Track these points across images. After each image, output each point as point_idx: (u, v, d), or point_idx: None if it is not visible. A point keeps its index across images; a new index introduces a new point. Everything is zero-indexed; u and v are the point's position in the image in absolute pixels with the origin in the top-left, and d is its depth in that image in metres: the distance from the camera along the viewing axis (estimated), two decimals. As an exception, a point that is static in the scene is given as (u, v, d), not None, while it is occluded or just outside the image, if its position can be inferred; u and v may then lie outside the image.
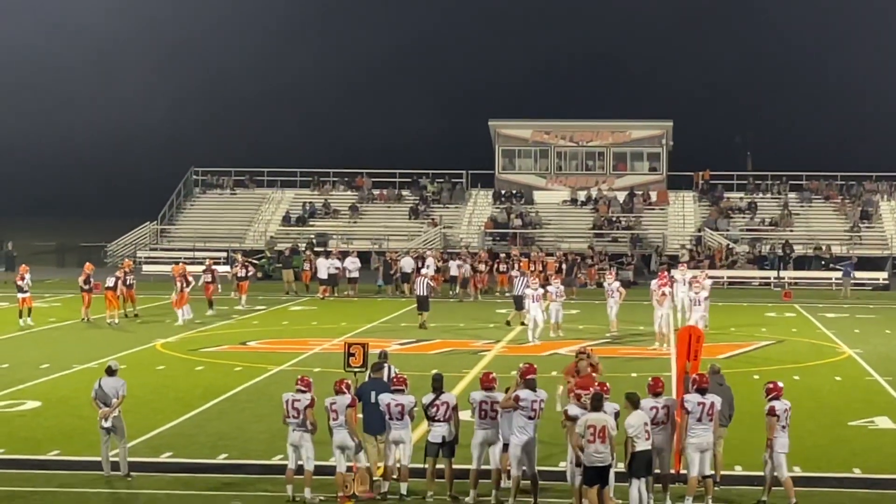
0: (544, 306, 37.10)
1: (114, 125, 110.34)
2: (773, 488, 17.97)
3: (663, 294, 36.10)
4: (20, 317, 39.99)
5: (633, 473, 17.11)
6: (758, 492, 18.11)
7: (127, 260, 49.53)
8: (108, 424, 19.33)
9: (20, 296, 40.33)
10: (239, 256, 52.39)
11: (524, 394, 17.98)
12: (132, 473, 19.35)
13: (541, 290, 37.00)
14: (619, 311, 38.27)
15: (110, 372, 19.83)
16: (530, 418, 17.87)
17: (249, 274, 48.65)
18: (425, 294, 40.69)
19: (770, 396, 18.08)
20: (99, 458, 19.51)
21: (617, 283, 39.01)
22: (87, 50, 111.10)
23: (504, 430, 18.07)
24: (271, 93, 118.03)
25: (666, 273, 40.34)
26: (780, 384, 18.40)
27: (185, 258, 53.79)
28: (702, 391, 18.00)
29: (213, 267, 45.72)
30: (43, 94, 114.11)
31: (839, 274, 57.22)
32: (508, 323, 40.40)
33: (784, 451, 17.88)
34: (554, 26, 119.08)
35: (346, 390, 18.33)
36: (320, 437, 18.42)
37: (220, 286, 45.47)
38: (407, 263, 53.29)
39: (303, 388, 18.31)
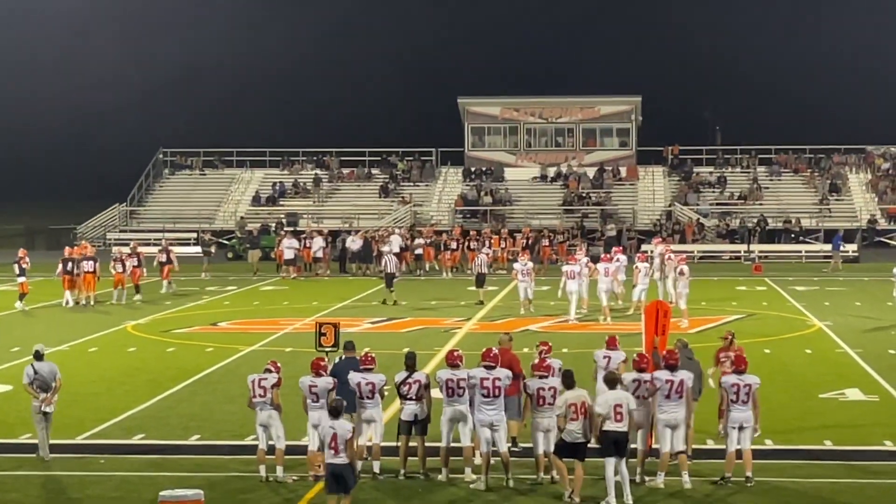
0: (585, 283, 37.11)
1: (79, 107, 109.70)
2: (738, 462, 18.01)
3: (595, 269, 37.03)
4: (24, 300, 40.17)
5: (600, 452, 17.10)
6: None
7: (84, 242, 48.95)
8: (52, 409, 19.28)
9: (20, 280, 40.21)
10: (164, 241, 51.20)
11: (476, 371, 18.03)
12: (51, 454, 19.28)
13: (577, 267, 36.80)
14: (588, 286, 38.05)
15: (39, 356, 19.71)
16: (485, 396, 17.91)
17: (170, 260, 45.66)
18: (392, 271, 41.20)
19: (732, 370, 18.12)
20: (68, 441, 19.42)
21: (585, 259, 38.82)
22: (54, 30, 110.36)
23: (474, 408, 18.09)
24: (240, 73, 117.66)
25: (609, 251, 40.48)
26: (738, 357, 18.48)
27: (154, 239, 53.37)
28: (671, 368, 17.97)
29: (169, 248, 45.34)
30: (6, 73, 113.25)
31: (829, 247, 57.53)
32: (481, 302, 40.36)
33: (733, 424, 17.75)
34: (520, 1, 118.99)
35: (324, 373, 18.28)
36: (289, 417, 18.40)
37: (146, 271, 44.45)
38: (354, 244, 53.25)
39: (271, 369, 18.30)
